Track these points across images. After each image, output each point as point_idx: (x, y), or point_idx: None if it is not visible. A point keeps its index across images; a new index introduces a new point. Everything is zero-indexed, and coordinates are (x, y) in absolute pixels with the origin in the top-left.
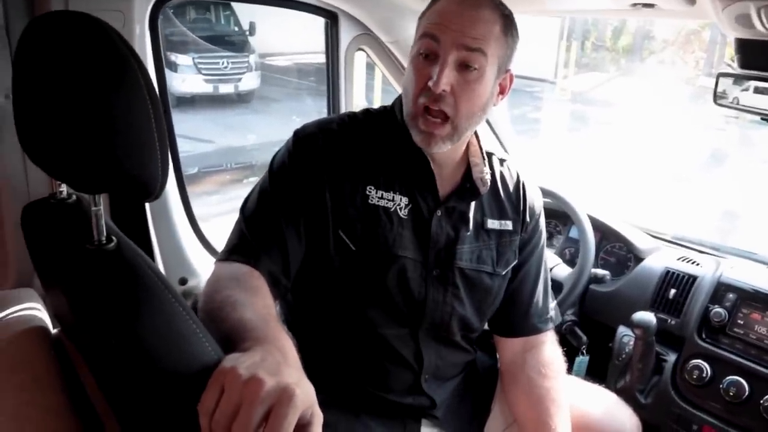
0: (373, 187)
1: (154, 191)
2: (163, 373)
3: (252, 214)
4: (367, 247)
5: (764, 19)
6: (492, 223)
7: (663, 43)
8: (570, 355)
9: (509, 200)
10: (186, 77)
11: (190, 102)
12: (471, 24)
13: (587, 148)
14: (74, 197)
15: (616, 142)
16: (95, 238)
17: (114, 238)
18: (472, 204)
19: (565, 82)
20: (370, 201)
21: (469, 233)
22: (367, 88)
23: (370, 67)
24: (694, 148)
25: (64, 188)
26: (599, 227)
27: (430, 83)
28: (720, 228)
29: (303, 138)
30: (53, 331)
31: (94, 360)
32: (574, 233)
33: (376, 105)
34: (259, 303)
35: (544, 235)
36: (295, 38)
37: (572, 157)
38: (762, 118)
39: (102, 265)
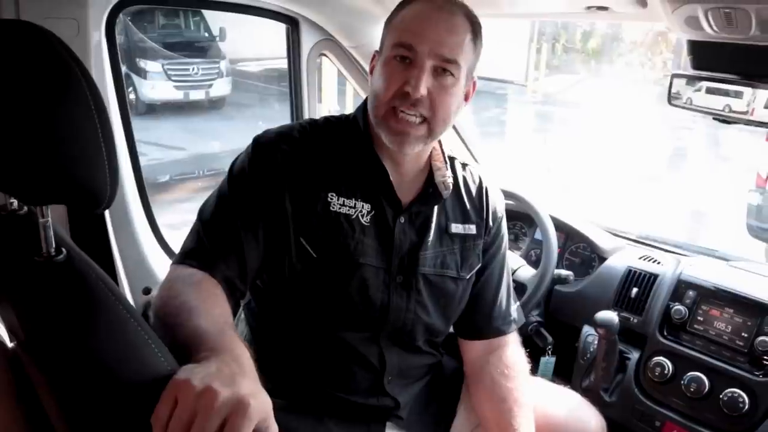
0: (334, 194)
1: (104, 201)
2: (115, 384)
3: (210, 219)
4: (329, 254)
5: (711, 21)
6: (456, 228)
7: (631, 44)
8: (536, 355)
9: (472, 204)
10: (156, 84)
11: (161, 109)
12: (447, 34)
13: (558, 149)
14: (25, 209)
15: (586, 142)
16: (44, 250)
17: (64, 249)
18: (435, 208)
19: (535, 84)
20: (331, 208)
21: (432, 238)
22: (340, 93)
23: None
24: (662, 147)
25: (15, 200)
26: (563, 228)
27: (408, 88)
28: (687, 226)
29: (263, 145)
30: (10, 345)
31: (49, 372)
32: (539, 235)
33: (350, 110)
34: (215, 311)
35: (506, 238)
36: (266, 43)
37: (544, 159)
38: (714, 118)
39: (50, 277)
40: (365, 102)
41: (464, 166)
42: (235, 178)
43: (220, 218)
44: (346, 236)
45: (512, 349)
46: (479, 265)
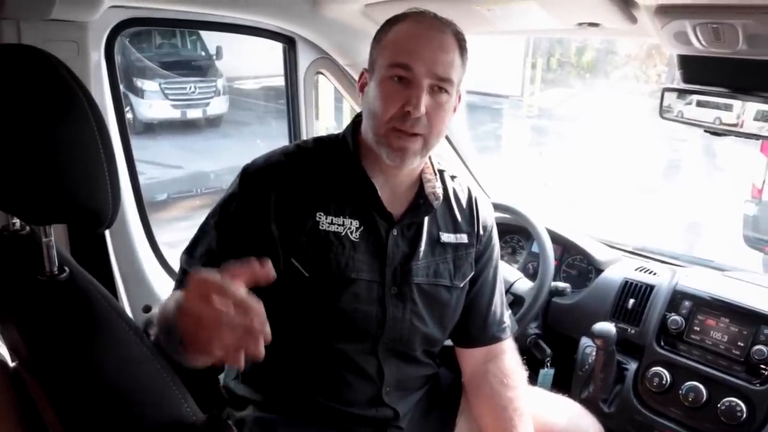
0: (323, 214)
1: (106, 220)
2: (116, 399)
3: (200, 258)
4: (320, 272)
5: (699, 36)
6: (447, 237)
7: (626, 58)
8: (535, 367)
9: (463, 214)
10: (153, 103)
11: (158, 128)
12: (441, 53)
13: (555, 162)
14: (27, 229)
15: (582, 156)
16: (47, 269)
17: (66, 268)
18: (426, 219)
19: (531, 98)
20: (320, 227)
21: (424, 248)
22: (337, 109)
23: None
24: (658, 159)
25: (17, 220)
26: (560, 241)
27: (408, 108)
28: (684, 238)
29: (251, 174)
30: (11, 364)
31: (52, 391)
32: (536, 248)
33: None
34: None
35: (498, 246)
36: (263, 61)
37: (540, 172)
38: (704, 130)
39: (53, 296)
40: (354, 122)
41: (453, 178)
42: (223, 211)
43: (211, 254)
44: (336, 253)
45: (509, 357)
46: (472, 274)
